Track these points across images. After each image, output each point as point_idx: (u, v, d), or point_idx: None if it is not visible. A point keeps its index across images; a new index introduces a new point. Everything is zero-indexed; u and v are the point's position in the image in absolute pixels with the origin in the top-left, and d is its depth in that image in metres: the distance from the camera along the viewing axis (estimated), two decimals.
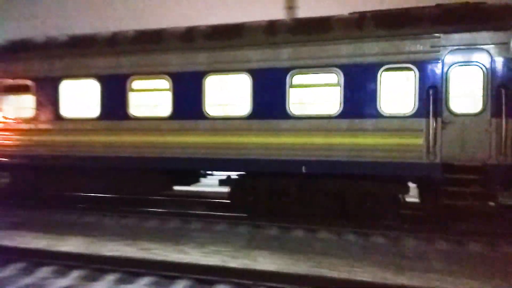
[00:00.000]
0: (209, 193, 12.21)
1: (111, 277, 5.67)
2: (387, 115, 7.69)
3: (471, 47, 7.26)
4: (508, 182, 7.21)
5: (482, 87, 7.31)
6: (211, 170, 9.86)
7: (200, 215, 9.35)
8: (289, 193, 8.60)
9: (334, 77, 8.00)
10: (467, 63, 7.34)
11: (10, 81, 10.30)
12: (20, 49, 10.38)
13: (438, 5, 7.71)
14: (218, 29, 9.00)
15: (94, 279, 5.67)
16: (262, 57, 8.41)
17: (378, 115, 7.68)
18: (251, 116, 8.54)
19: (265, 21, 8.77)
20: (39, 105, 10.03)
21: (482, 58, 7.22)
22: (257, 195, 8.90)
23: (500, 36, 7.10)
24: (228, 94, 9.69)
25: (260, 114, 8.39)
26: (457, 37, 7.27)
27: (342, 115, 7.90)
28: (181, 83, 8.86)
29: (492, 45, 7.14)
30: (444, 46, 7.33)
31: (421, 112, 7.43)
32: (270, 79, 8.28)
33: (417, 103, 7.49)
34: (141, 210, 10.04)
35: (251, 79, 8.48)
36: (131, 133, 9.24)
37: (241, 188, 9.14)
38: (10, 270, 6.07)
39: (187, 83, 8.81)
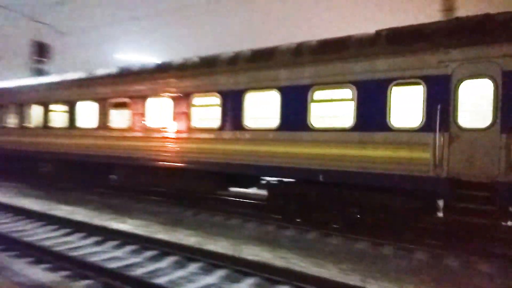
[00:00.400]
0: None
1: (251, 281, 5.87)
2: (396, 128, 7.77)
3: (480, 60, 6.95)
4: None
5: (492, 101, 6.88)
6: None
7: (337, 229, 8.92)
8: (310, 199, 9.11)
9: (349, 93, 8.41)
10: (476, 76, 7.05)
11: (201, 94, 10.84)
12: (208, 65, 10.76)
13: (446, 20, 7.80)
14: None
15: (236, 280, 5.94)
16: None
17: (388, 129, 7.83)
18: None
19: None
20: (225, 116, 10.26)
21: (492, 71, 6.83)
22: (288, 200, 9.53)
23: (510, 48, 6.67)
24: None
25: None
26: (465, 51, 7.06)
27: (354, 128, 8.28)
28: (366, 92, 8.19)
29: (503, 58, 6.72)
30: (452, 60, 7.19)
31: (429, 126, 7.32)
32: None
33: (425, 118, 7.42)
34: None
35: None
36: (312, 144, 8.85)
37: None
38: (165, 262, 6.83)
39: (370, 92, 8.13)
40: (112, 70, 13.20)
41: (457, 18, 7.72)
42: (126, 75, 12.53)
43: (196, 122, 10.90)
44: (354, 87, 8.27)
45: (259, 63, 9.67)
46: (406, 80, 7.75)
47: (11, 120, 16.65)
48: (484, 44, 6.90)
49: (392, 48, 7.84)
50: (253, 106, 10.16)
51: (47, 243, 7.85)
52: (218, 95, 10.32)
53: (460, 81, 7.15)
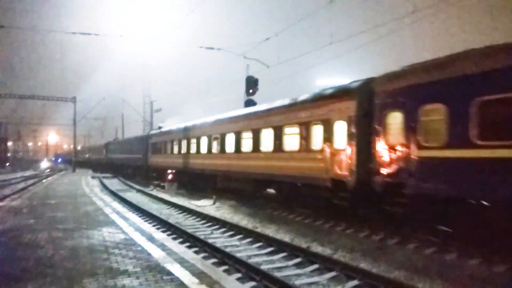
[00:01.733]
0: None
1: None
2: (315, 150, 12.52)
3: (339, 111, 11.50)
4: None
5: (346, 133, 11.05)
6: None
7: None
8: None
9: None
10: (339, 119, 11.49)
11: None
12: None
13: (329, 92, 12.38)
14: None
15: None
16: None
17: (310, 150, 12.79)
18: None
19: None
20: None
21: (344, 117, 11.22)
22: None
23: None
24: None
25: None
26: (333, 106, 11.68)
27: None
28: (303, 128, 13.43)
29: (347, 109, 11.11)
30: (330, 110, 11.78)
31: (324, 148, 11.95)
32: None
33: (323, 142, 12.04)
34: None
35: None
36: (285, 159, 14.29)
37: None
38: None
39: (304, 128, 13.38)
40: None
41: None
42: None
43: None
44: (297, 126, 13.25)
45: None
46: (316, 121, 12.38)
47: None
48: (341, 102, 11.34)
49: (310, 106, 12.78)
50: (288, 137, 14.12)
51: (254, 260, 8.27)
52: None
53: (336, 121, 11.42)
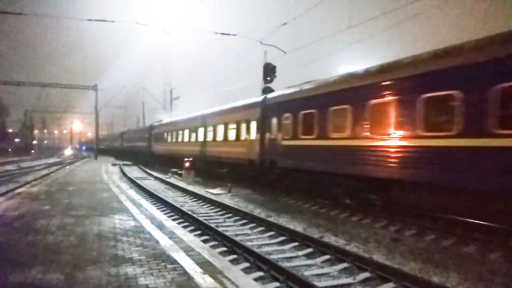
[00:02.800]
0: None
1: None
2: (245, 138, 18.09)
3: (253, 114, 17.32)
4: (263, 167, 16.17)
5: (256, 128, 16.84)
6: None
7: None
8: None
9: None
10: (254, 120, 17.22)
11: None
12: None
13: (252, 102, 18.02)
14: None
15: None
16: None
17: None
18: None
19: None
20: None
21: (255, 118, 17.03)
22: None
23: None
24: None
25: None
26: (252, 111, 17.41)
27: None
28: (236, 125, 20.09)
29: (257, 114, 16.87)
30: (252, 114, 17.43)
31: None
32: None
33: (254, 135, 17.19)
34: None
35: None
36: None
37: None
38: None
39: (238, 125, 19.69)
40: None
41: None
42: None
43: None
44: (235, 123, 18.90)
45: None
46: (242, 121, 18.24)
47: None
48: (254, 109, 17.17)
49: (241, 110, 18.63)
50: None
51: (264, 249, 8.14)
52: None
53: (251, 121, 17.31)
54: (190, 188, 18.70)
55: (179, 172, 25.04)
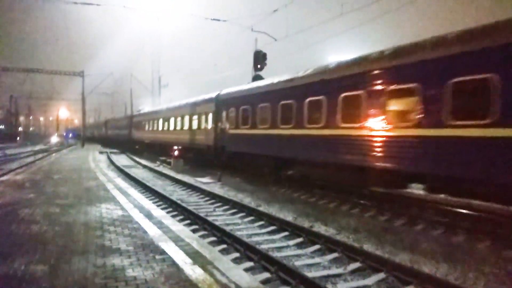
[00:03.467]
0: None
1: None
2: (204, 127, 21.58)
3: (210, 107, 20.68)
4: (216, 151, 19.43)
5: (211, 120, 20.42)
6: None
7: None
8: None
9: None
10: (209, 113, 20.76)
11: None
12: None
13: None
14: None
15: None
16: None
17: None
18: None
19: None
20: None
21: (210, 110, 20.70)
22: None
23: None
24: None
25: None
26: (209, 105, 20.76)
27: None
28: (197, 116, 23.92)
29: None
30: (209, 108, 20.75)
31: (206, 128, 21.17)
32: None
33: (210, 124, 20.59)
34: None
35: None
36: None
37: None
38: (372, 279, 5.88)
39: (199, 116, 23.74)
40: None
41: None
42: None
43: None
44: (197, 115, 22.54)
45: None
46: (203, 113, 21.71)
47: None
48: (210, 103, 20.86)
49: (201, 104, 22.18)
50: None
51: (254, 239, 8.06)
52: None
53: (209, 113, 20.74)
54: (179, 176, 18.53)
55: (168, 160, 24.81)
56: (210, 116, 20.41)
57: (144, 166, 24.84)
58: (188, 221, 9.53)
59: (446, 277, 6.05)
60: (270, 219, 9.47)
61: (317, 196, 12.93)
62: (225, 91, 19.41)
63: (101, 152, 35.47)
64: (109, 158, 29.45)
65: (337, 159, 11.17)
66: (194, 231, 8.35)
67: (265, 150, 15.08)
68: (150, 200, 11.70)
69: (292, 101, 13.23)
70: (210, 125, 20.42)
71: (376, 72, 9.86)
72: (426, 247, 7.60)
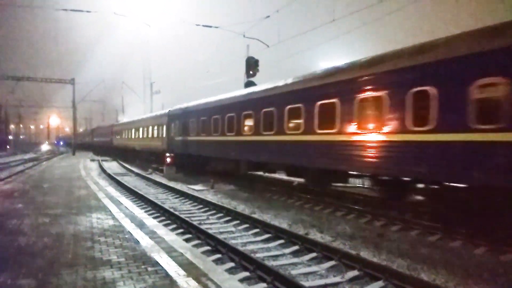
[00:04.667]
0: None
1: None
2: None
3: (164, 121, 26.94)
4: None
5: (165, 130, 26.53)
6: None
7: None
8: None
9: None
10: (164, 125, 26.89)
11: None
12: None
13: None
14: None
15: None
16: None
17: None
18: None
19: None
20: None
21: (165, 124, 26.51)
22: None
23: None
24: None
25: None
26: (164, 118, 26.73)
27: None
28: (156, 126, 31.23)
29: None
30: (162, 120, 27.04)
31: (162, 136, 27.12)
32: None
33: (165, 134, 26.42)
34: None
35: None
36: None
37: None
38: None
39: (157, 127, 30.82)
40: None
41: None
42: None
43: None
44: (156, 126, 28.95)
45: None
46: (160, 124, 27.83)
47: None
48: (165, 117, 26.88)
49: (159, 117, 28.58)
50: None
51: (249, 247, 7.90)
52: None
53: (163, 125, 26.84)
54: (172, 184, 18.30)
55: (160, 168, 24.55)
56: (164, 127, 26.22)
57: (137, 174, 24.54)
58: (181, 230, 9.34)
59: (446, 284, 5.94)
60: (265, 227, 9.32)
61: (312, 202, 12.81)
62: (175, 107, 24.91)
63: (92, 160, 35.06)
64: (100, 165, 29.09)
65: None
66: (187, 240, 8.18)
67: (196, 152, 20.80)
68: (142, 209, 11.49)
69: (206, 118, 19.23)
70: (164, 134, 26.26)
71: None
72: (423, 253, 7.50)
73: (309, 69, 13.23)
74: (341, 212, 11.30)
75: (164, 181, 19.78)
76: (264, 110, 13.86)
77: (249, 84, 25.95)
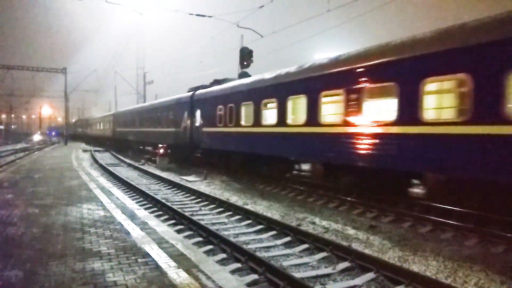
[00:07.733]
0: None
1: None
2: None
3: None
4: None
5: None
6: None
7: None
8: None
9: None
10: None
11: None
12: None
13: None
14: None
15: None
16: None
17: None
18: None
19: None
20: None
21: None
22: None
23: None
24: None
25: None
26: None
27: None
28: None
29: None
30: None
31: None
32: None
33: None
34: None
35: None
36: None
37: None
38: (361, 279, 5.77)
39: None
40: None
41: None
42: None
43: None
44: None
45: None
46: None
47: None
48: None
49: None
50: None
51: (241, 238, 7.88)
52: None
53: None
54: (164, 175, 18.22)
55: (152, 158, 24.42)
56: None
57: (129, 165, 24.40)
58: (173, 221, 9.30)
59: (436, 275, 5.97)
60: (257, 218, 9.30)
61: (305, 193, 12.81)
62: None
63: (84, 150, 34.79)
64: (92, 156, 28.87)
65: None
66: (179, 231, 8.14)
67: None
68: (134, 199, 11.43)
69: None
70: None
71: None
72: (414, 245, 7.53)
73: (304, 60, 13.13)
74: (334, 204, 11.32)
75: (157, 172, 19.69)
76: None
77: (243, 74, 25.79)
